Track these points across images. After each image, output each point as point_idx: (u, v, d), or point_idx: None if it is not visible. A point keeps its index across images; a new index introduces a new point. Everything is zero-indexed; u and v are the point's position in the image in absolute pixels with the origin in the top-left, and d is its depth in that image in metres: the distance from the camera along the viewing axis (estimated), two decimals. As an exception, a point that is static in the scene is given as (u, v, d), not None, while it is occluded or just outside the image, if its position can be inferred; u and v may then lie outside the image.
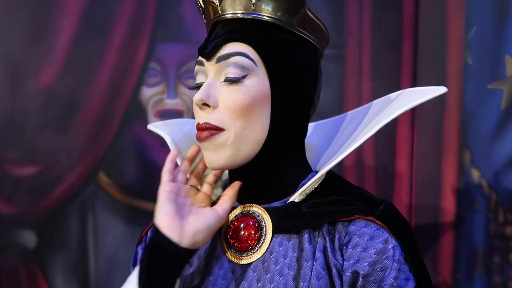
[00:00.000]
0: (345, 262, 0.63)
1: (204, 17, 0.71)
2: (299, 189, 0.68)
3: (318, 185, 0.68)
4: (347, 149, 0.65)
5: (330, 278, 0.63)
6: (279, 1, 0.66)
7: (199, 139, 0.66)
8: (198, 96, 0.64)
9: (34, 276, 1.20)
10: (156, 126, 0.82)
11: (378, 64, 1.23)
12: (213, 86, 0.65)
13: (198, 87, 0.68)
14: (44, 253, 1.20)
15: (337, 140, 0.75)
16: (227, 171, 0.76)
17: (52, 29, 1.17)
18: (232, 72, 0.64)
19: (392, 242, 0.62)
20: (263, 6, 0.65)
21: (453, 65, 1.16)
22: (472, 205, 1.12)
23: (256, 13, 0.65)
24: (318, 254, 0.64)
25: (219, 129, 0.65)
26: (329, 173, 0.70)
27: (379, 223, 0.63)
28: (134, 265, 0.74)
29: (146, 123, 1.19)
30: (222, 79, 0.65)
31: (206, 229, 0.64)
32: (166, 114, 1.21)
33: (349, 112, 0.80)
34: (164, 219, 0.63)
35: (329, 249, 0.64)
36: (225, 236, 0.69)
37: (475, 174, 1.11)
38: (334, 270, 0.63)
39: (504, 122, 1.03)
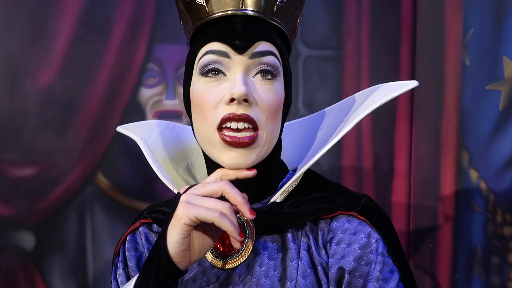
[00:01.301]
0: (330, 259, 0.62)
1: (207, 2, 0.65)
2: (279, 189, 0.67)
3: (298, 184, 0.68)
4: (323, 148, 0.64)
5: (316, 276, 0.62)
6: (290, 9, 0.66)
7: (233, 143, 0.61)
8: (242, 90, 0.60)
9: (32, 277, 1.19)
10: (126, 128, 0.79)
11: (376, 65, 1.23)
12: (247, 82, 0.62)
13: (215, 72, 0.63)
14: (42, 254, 1.19)
15: (312, 139, 0.74)
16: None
17: (50, 30, 1.17)
18: (268, 68, 0.62)
19: (375, 236, 0.63)
20: (281, 13, 0.65)
21: (451, 66, 1.17)
22: (471, 206, 1.12)
23: (276, 18, 0.65)
24: (303, 253, 0.63)
25: (255, 126, 0.62)
26: (308, 171, 0.69)
27: (361, 217, 0.63)
28: (115, 278, 0.71)
29: (145, 124, 1.19)
30: (253, 75, 0.63)
31: (206, 252, 0.61)
32: (164, 115, 1.20)
33: (327, 109, 0.80)
34: (179, 250, 0.58)
35: (313, 247, 0.64)
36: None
37: (473, 175, 1.11)
38: (319, 268, 0.63)
39: (502, 123, 1.03)
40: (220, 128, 0.62)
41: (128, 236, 0.72)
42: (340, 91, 1.23)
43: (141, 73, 1.20)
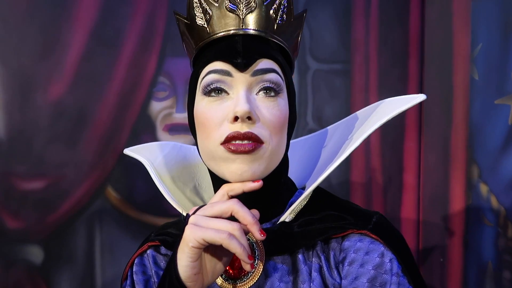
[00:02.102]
0: (343, 280, 0.61)
1: (205, 24, 0.66)
2: (288, 208, 0.66)
3: (307, 202, 0.67)
4: (331, 164, 0.63)
5: None
6: (291, 27, 0.67)
7: (237, 150, 0.61)
8: (245, 108, 0.60)
9: (39, 292, 1.18)
10: (133, 150, 0.78)
11: (385, 79, 1.23)
12: (250, 99, 0.62)
13: (218, 91, 0.63)
14: (50, 268, 1.18)
15: (320, 156, 0.74)
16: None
17: (62, 43, 1.17)
18: (271, 89, 0.63)
19: (389, 255, 0.61)
20: (281, 31, 0.66)
21: (459, 81, 1.17)
22: (481, 220, 1.11)
23: (277, 35, 0.65)
24: (315, 274, 0.62)
25: (259, 142, 0.61)
26: (317, 189, 0.68)
27: (373, 236, 0.62)
28: None
29: (155, 137, 1.19)
30: (255, 92, 0.63)
31: (219, 274, 0.60)
32: (175, 128, 1.20)
33: (330, 127, 0.79)
34: (190, 274, 0.57)
35: (325, 268, 0.63)
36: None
37: (483, 189, 1.11)
38: None
39: (512, 137, 1.03)
40: (224, 143, 0.62)
41: (136, 259, 0.71)
42: (349, 105, 1.23)
43: (151, 87, 1.20)
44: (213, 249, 0.59)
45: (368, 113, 0.69)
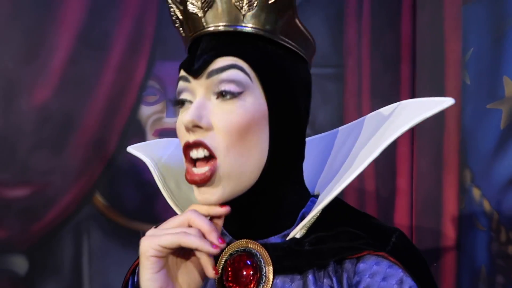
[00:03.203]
0: None
1: (182, 31, 0.63)
2: (299, 222, 0.61)
3: (320, 214, 0.61)
4: (351, 174, 0.58)
5: None
6: (271, 13, 0.59)
7: (192, 181, 0.57)
8: (188, 117, 0.56)
9: (24, 304, 1.14)
10: (135, 148, 0.74)
11: (377, 84, 1.23)
12: (204, 106, 0.57)
13: (181, 102, 0.60)
14: (35, 279, 1.14)
15: (334, 160, 0.69)
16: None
17: (47, 46, 1.14)
18: (227, 89, 0.57)
19: (408, 282, 0.56)
20: (251, 18, 0.59)
21: (451, 85, 1.18)
22: (474, 224, 1.12)
23: (245, 25, 0.59)
24: None
25: (212, 154, 0.57)
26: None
27: (391, 259, 0.57)
28: None
29: (145, 143, 1.17)
30: (214, 97, 0.58)
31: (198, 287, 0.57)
32: (165, 133, 1.18)
33: (341, 128, 0.74)
34: (150, 282, 0.54)
35: None
36: (220, 280, 0.60)
37: (476, 193, 1.11)
38: None
39: (504, 141, 1.03)
40: (186, 158, 0.58)
41: (137, 268, 0.66)
42: (342, 109, 1.22)
43: (141, 91, 1.18)
44: (181, 258, 0.56)
45: (384, 116, 0.64)
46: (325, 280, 0.59)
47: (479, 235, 1.09)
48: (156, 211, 1.15)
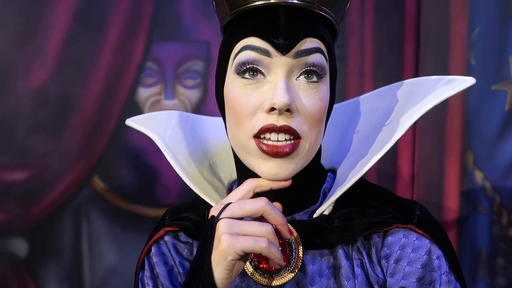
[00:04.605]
0: (389, 278, 0.59)
1: None
2: (322, 198, 0.62)
3: (345, 191, 0.62)
4: (377, 154, 0.58)
5: None
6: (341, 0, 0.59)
7: (271, 152, 0.55)
8: (284, 99, 0.53)
9: (25, 286, 1.15)
10: (135, 121, 0.70)
11: (380, 65, 1.21)
12: (290, 87, 0.55)
13: (251, 72, 0.56)
14: (35, 262, 1.15)
15: (349, 135, 0.69)
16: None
17: (44, 27, 1.12)
18: (313, 72, 0.56)
19: (436, 251, 0.59)
20: (332, 1, 0.58)
21: (456, 66, 1.15)
22: (476, 207, 1.11)
23: (325, 8, 0.57)
24: (358, 271, 0.60)
25: (297, 137, 0.56)
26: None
27: (419, 231, 0.59)
28: None
29: (143, 125, 1.15)
30: (295, 78, 0.56)
31: (238, 272, 0.57)
32: (163, 116, 1.17)
33: (348, 102, 0.74)
34: (226, 284, 0.54)
35: (367, 264, 0.60)
36: (252, 258, 0.61)
37: (479, 176, 1.10)
38: (376, 286, 0.59)
39: (508, 124, 1.02)
40: (257, 136, 0.57)
41: (153, 248, 0.66)
42: (343, 90, 1.21)
43: (138, 72, 1.16)
44: None
45: (402, 93, 0.64)
46: (354, 253, 0.61)
47: (481, 218, 1.09)
48: (156, 193, 1.15)
